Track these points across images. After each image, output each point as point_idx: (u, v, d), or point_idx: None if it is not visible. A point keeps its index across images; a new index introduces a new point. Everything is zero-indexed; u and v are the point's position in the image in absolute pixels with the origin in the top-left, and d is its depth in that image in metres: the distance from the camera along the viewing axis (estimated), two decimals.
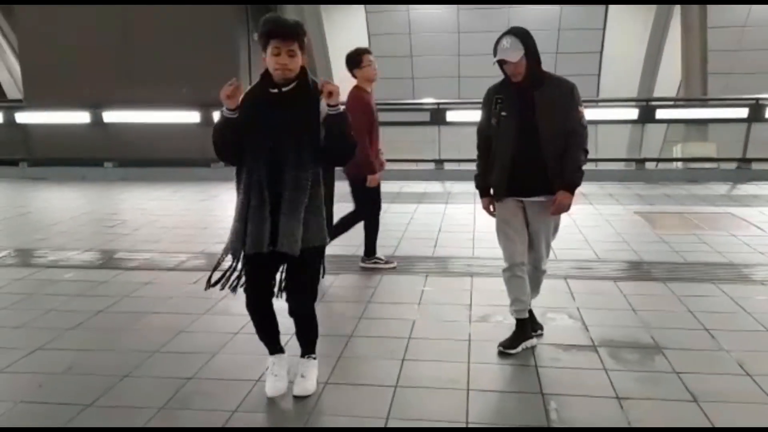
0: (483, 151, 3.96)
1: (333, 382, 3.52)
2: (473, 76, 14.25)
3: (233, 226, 3.20)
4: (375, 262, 5.69)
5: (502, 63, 3.67)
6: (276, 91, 3.12)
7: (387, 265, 5.68)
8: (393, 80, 15.90)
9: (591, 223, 7.36)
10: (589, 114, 13.47)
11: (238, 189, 3.19)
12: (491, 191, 3.92)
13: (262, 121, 3.11)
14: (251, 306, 3.34)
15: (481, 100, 3.94)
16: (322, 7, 15.89)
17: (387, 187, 9.95)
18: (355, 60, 5.34)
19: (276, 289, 3.34)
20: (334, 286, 5.18)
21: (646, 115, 10.78)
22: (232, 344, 4.05)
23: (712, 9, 12.78)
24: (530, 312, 4.03)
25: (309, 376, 3.43)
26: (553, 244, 6.30)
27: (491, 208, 3.96)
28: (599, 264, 5.77)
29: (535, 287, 4.07)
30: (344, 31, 16.96)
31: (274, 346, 3.49)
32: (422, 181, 10.66)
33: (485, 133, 3.90)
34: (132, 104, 11.80)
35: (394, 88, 15.68)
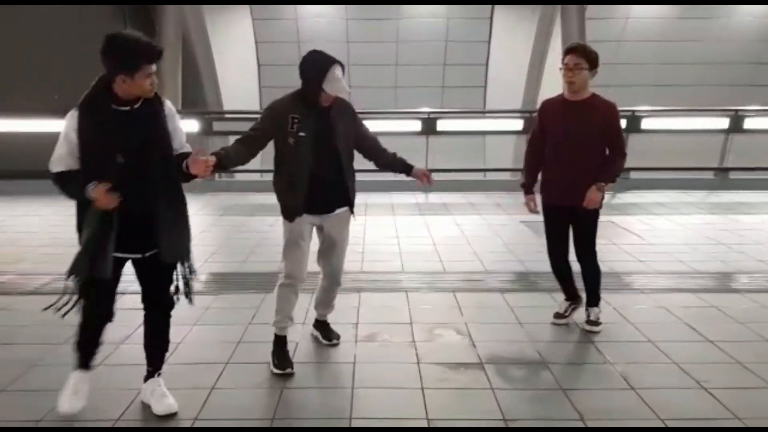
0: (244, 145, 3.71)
1: (203, 418, 3.21)
2: (362, 86, 14.19)
3: (95, 249, 2.97)
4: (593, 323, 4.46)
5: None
6: (128, 108, 3.01)
7: (594, 328, 4.45)
8: (280, 90, 15.52)
9: (479, 233, 7.36)
10: (478, 125, 13.49)
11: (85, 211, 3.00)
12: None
13: (112, 140, 2.97)
14: (102, 319, 3.26)
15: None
16: (207, 12, 15.34)
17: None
18: None
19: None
20: (212, 308, 4.82)
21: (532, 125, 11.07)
22: (90, 379, 3.62)
23: (591, 24, 13.32)
24: (326, 323, 4.24)
25: (167, 393, 3.30)
26: (442, 256, 6.38)
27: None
28: (487, 276, 5.72)
29: (331, 301, 4.18)
30: (230, 39, 16.51)
31: (91, 361, 3.36)
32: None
33: (256, 149, 3.71)
34: None
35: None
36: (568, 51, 4.21)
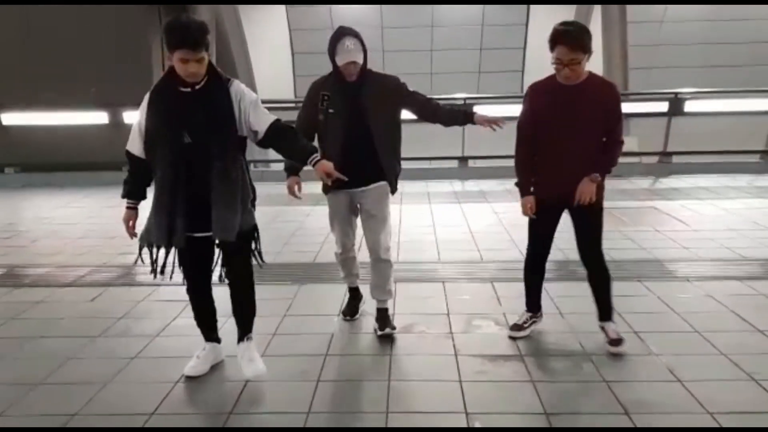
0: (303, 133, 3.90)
1: (237, 412, 3.17)
2: (397, 72, 14.08)
3: (155, 219, 3.25)
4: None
5: (348, 64, 3.70)
6: (188, 89, 3.15)
7: (620, 348, 3.79)
8: (315, 78, 15.51)
9: (517, 221, 7.15)
10: (514, 110, 13.29)
11: (156, 185, 3.26)
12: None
13: (178, 119, 3.14)
14: (190, 290, 3.53)
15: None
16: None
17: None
18: None
19: (219, 275, 3.49)
20: None
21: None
22: (126, 372, 3.63)
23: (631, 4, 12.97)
24: (384, 312, 4.17)
25: (255, 358, 3.46)
26: (479, 244, 6.26)
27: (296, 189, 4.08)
28: None
29: (385, 282, 4.13)
30: (264, 27, 16.50)
31: (209, 333, 3.64)
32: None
33: (309, 131, 3.92)
34: (35, 105, 11.05)
35: None
36: (557, 41, 3.50)
